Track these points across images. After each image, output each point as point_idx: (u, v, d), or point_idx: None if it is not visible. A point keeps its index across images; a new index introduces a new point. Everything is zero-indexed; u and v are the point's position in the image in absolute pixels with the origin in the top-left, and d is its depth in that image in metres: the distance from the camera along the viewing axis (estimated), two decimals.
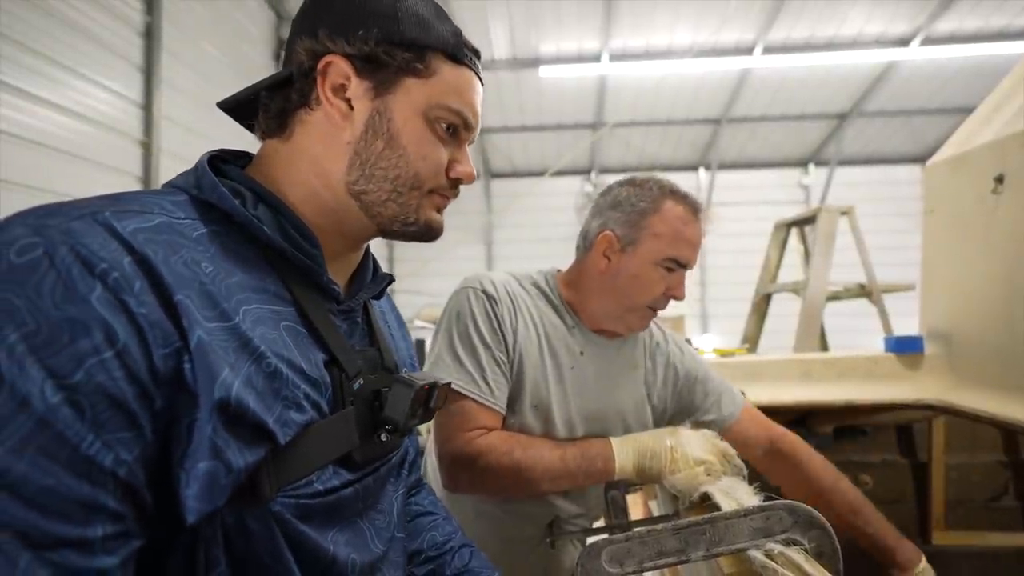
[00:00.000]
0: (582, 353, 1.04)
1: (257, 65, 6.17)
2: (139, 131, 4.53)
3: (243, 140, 0.62)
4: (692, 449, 0.91)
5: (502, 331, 0.98)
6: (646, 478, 0.94)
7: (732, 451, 0.95)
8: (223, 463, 0.41)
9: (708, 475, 0.89)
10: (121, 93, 4.34)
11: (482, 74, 0.60)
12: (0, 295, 0.35)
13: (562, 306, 1.06)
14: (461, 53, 0.56)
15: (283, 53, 0.57)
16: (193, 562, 0.43)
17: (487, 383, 0.95)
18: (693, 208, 0.99)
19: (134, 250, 0.40)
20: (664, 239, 0.97)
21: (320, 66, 0.52)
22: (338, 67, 0.52)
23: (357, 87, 0.53)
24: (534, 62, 7.57)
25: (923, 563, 0.99)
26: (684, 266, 1.00)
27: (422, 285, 9.20)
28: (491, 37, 7.17)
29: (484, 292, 0.99)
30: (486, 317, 0.97)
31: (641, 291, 0.99)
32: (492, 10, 6.75)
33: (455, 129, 0.57)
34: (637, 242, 0.98)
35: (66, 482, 0.35)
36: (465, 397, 0.93)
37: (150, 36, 4.55)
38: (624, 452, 0.94)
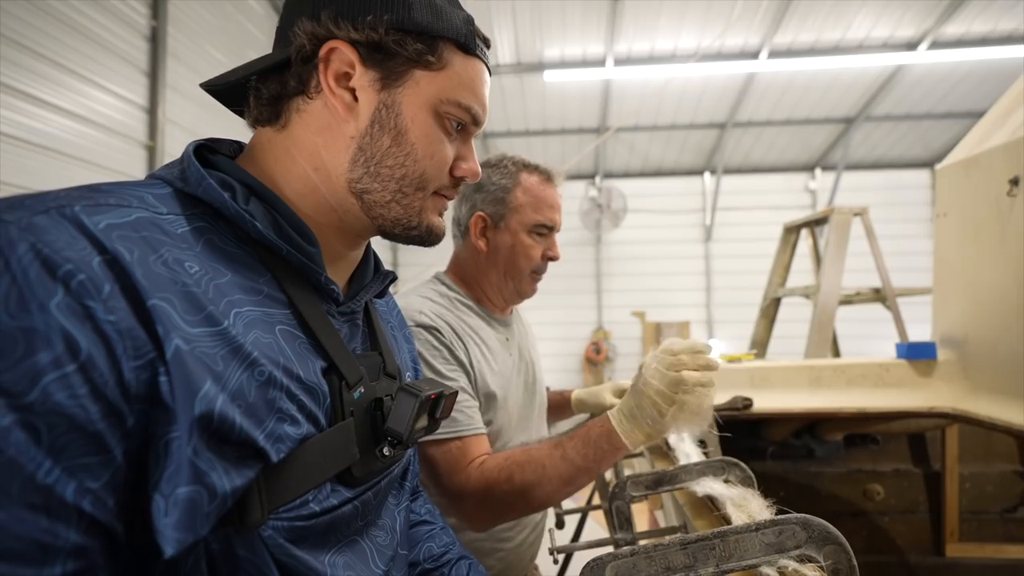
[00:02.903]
0: (507, 340, 1.12)
1: None
2: (144, 135, 4.55)
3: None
4: (655, 379, 0.82)
5: (455, 357, 0.97)
6: (656, 435, 0.85)
7: (691, 342, 0.84)
8: (206, 488, 0.37)
9: (688, 393, 0.79)
10: (126, 97, 4.36)
11: (489, 63, 0.56)
12: None
13: (473, 304, 1.10)
14: (472, 43, 0.52)
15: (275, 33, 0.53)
16: None
17: (462, 413, 0.93)
18: (547, 175, 1.10)
19: (105, 249, 0.36)
20: (528, 207, 1.06)
21: (322, 52, 0.48)
22: (342, 54, 0.48)
23: (362, 77, 0.49)
24: (538, 67, 7.56)
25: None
26: (552, 228, 1.09)
27: None
28: (495, 42, 7.18)
29: (420, 326, 0.97)
30: (434, 351, 0.96)
31: (521, 258, 1.07)
32: (496, 15, 6.76)
33: (463, 124, 0.54)
34: (506, 216, 1.07)
35: (19, 516, 0.31)
36: (448, 440, 0.91)
37: (155, 41, 4.57)
38: (623, 421, 0.86)
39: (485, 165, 1.09)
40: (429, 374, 0.93)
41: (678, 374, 0.80)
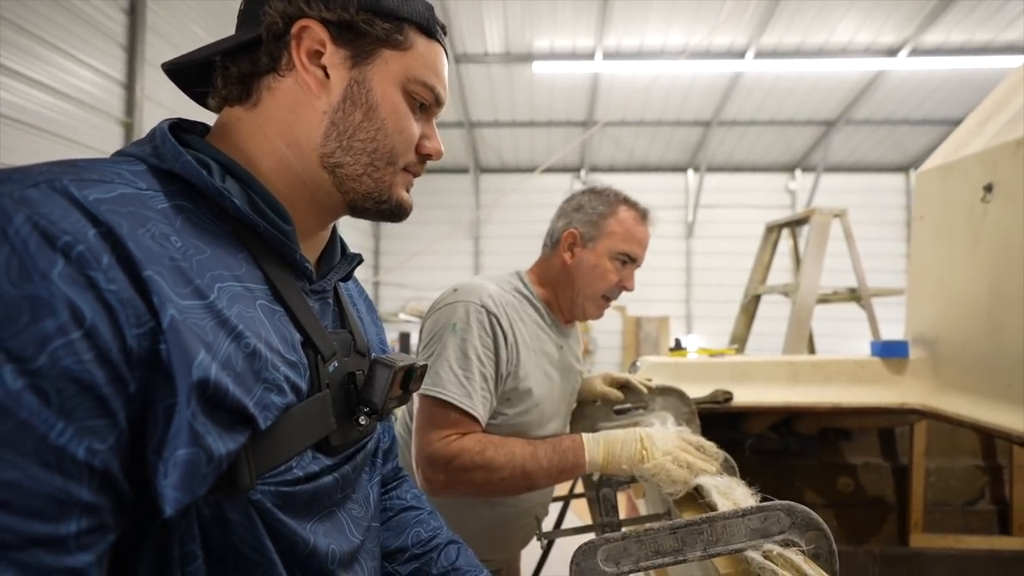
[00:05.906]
0: (560, 347, 1.17)
1: None
2: (120, 111, 4.42)
3: None
4: (661, 442, 0.94)
5: (496, 348, 1.02)
6: (615, 468, 0.96)
7: (708, 444, 0.97)
8: (204, 450, 0.38)
9: (679, 466, 0.90)
10: (103, 71, 4.22)
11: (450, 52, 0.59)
12: None
13: (540, 305, 1.16)
14: (434, 28, 0.55)
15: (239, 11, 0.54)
16: (167, 557, 0.40)
17: (471, 392, 0.97)
18: (643, 213, 1.18)
19: (98, 221, 0.37)
20: (618, 236, 1.14)
21: (294, 30, 0.50)
22: (314, 32, 0.50)
23: (333, 55, 0.51)
24: (527, 57, 7.53)
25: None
26: (634, 261, 1.16)
27: (408, 279, 9.14)
28: (485, 31, 7.12)
29: (484, 307, 1.02)
30: (483, 332, 1.01)
31: (599, 279, 1.14)
32: (487, 4, 6.70)
33: (426, 105, 0.56)
34: (596, 238, 1.14)
35: (34, 475, 0.32)
36: (448, 404, 0.96)
37: (134, 14, 4.43)
38: (595, 445, 0.97)
39: (590, 191, 1.18)
40: (469, 348, 0.98)
41: (679, 451, 0.92)
